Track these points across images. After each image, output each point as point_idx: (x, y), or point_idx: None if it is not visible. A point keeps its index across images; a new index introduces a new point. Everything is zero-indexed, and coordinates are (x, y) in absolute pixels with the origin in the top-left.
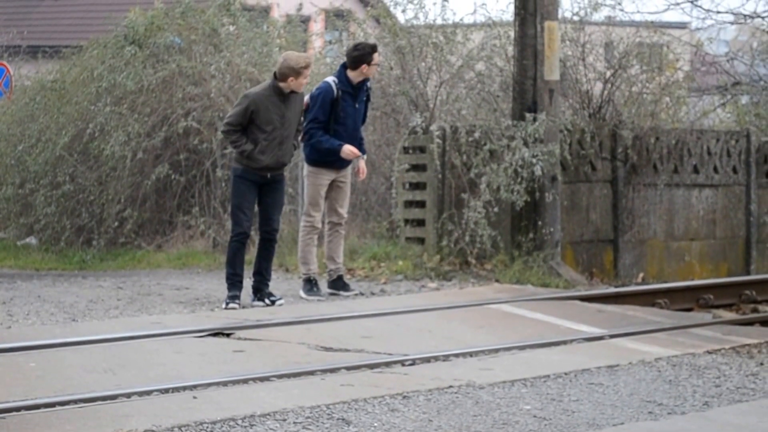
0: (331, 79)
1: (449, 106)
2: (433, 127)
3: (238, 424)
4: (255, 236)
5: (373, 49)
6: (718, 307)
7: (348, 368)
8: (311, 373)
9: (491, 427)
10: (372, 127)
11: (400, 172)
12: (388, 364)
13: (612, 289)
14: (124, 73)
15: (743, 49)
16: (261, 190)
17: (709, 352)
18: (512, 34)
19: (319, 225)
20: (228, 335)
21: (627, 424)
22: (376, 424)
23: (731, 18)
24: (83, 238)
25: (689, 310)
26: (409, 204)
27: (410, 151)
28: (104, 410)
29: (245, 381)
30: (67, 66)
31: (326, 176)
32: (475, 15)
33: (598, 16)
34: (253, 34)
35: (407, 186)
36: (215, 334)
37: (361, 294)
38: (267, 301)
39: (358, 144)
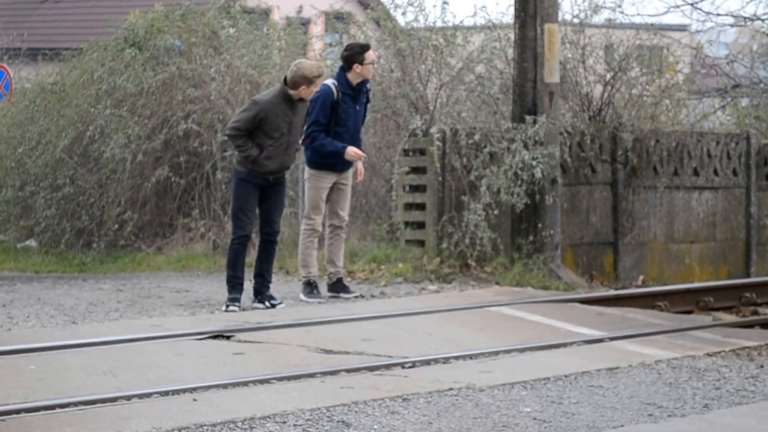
0: (330, 82)
1: (449, 109)
2: (433, 130)
3: (238, 427)
4: (255, 239)
5: (364, 48)
6: (718, 309)
7: (348, 371)
8: (311, 375)
9: (491, 429)
10: (372, 130)
11: (400, 175)
12: (388, 367)
13: (612, 292)
14: (124, 75)
15: (743, 52)
16: (262, 193)
17: (709, 355)
18: (512, 36)
19: (320, 228)
20: (228, 338)
21: (627, 427)
22: (376, 427)
23: (731, 20)
24: (83, 240)
25: (689, 312)
26: (409, 206)
27: (410, 153)
28: (104, 412)
29: (245, 383)
30: (67, 68)
31: (328, 179)
32: (475, 17)
33: (598, 18)
34: (253, 37)
35: (407, 188)
36: (215, 337)
37: (361, 296)
38: (267, 303)
39: (358, 146)
